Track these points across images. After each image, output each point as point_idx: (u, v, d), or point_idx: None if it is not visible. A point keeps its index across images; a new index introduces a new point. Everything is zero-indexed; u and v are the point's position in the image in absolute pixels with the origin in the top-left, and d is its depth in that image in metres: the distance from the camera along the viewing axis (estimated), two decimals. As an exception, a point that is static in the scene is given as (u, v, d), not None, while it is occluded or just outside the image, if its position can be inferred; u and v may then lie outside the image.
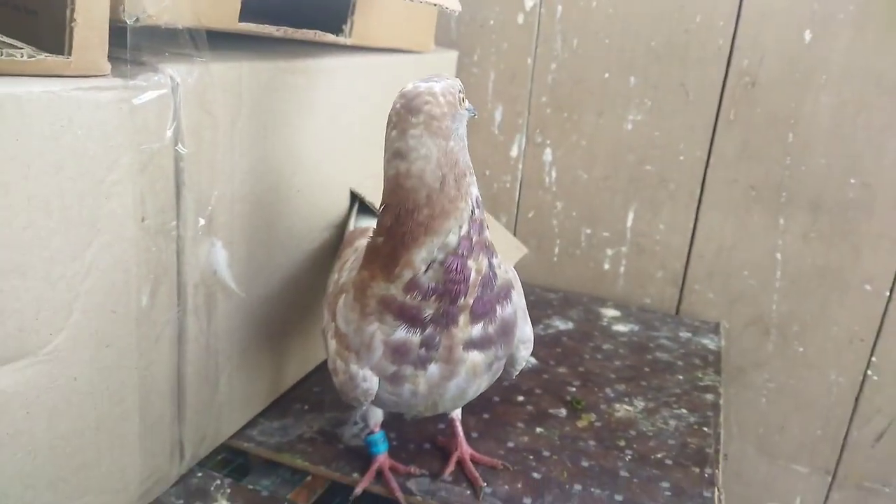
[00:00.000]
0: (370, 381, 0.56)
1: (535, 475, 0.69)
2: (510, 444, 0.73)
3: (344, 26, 0.72)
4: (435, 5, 0.77)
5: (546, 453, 0.72)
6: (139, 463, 0.58)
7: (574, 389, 0.85)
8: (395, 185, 0.53)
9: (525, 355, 0.61)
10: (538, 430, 0.76)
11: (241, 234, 0.63)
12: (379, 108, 0.76)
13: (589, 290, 1.14)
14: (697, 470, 0.71)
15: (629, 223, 1.09)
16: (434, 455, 0.71)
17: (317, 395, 0.80)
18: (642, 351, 0.96)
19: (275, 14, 0.64)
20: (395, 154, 0.52)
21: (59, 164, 0.45)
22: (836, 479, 1.07)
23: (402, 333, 0.54)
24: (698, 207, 1.05)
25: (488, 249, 0.55)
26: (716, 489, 0.68)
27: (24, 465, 0.48)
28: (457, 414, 0.71)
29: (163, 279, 0.55)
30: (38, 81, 0.44)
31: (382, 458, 0.67)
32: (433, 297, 0.53)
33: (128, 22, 0.49)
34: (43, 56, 0.45)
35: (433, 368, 0.55)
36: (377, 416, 0.68)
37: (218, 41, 0.57)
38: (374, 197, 0.79)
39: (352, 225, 0.78)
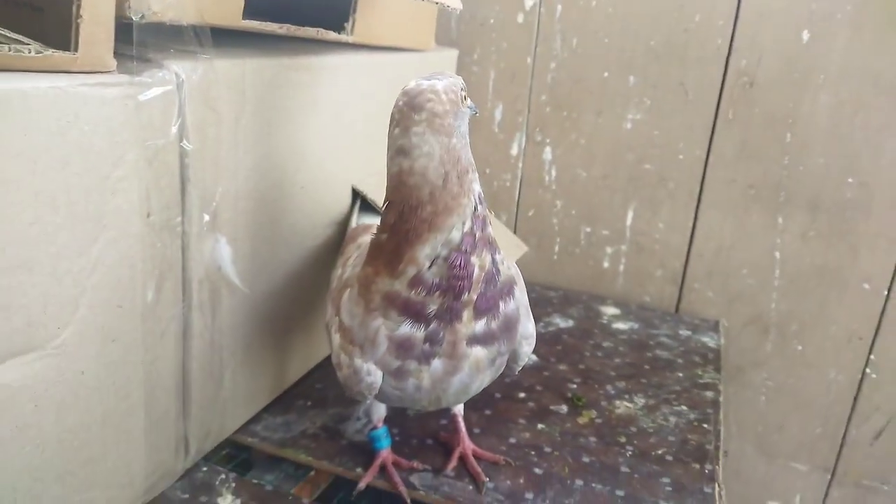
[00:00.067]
0: (374, 375, 0.56)
1: (537, 471, 0.69)
2: (512, 440, 0.74)
3: (346, 24, 0.73)
4: (436, 3, 0.78)
5: (547, 449, 0.73)
6: (144, 457, 0.59)
7: (575, 386, 0.85)
8: (398, 183, 0.53)
9: (527, 351, 0.61)
10: (539, 426, 0.76)
11: (244, 231, 0.64)
12: (380, 106, 0.77)
13: (589, 289, 1.14)
14: (698, 466, 0.72)
15: (629, 222, 1.10)
16: (436, 450, 0.71)
17: (319, 391, 0.80)
18: (642, 348, 0.96)
19: (277, 12, 0.64)
20: (399, 151, 0.52)
21: (65, 159, 0.46)
22: (836, 477, 1.07)
23: (406, 329, 0.54)
24: (697, 206, 1.06)
25: (491, 245, 0.55)
26: (716, 485, 0.69)
27: (33, 459, 0.48)
28: (459, 410, 0.71)
29: (168, 275, 0.56)
30: (44, 77, 0.45)
31: (385, 453, 0.68)
32: (437, 293, 0.53)
33: (133, 18, 0.49)
34: (50, 52, 0.46)
35: (437, 363, 0.56)
36: (380, 411, 0.69)
37: (221, 38, 0.57)
38: (376, 194, 0.79)
39: (354, 222, 0.79)
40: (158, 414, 0.59)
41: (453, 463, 0.68)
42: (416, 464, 0.68)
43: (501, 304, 0.56)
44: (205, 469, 0.66)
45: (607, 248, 1.12)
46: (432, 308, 0.54)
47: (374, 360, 0.56)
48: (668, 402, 0.83)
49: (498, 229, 1.04)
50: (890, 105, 0.93)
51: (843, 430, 1.05)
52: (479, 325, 0.55)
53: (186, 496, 0.63)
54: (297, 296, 0.75)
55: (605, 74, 1.05)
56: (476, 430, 0.74)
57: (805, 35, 0.94)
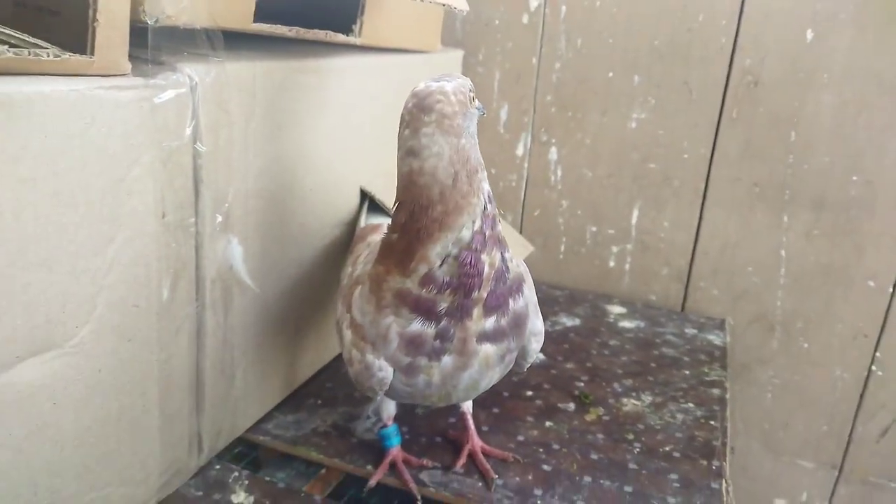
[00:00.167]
0: (385, 370, 0.57)
1: (546, 467, 0.70)
2: (520, 438, 0.74)
3: (353, 26, 0.74)
4: (443, 5, 0.79)
5: (556, 446, 0.73)
6: (159, 455, 0.60)
7: (582, 384, 0.86)
8: (408, 183, 0.54)
9: (536, 348, 0.62)
10: (547, 423, 0.77)
11: (255, 231, 0.65)
12: (387, 107, 0.78)
13: (595, 288, 1.15)
14: (705, 462, 0.72)
15: (634, 221, 1.10)
16: (446, 448, 0.72)
17: (329, 390, 0.81)
18: (648, 347, 0.97)
19: (286, 15, 0.65)
20: (409, 152, 0.53)
21: (83, 160, 0.47)
22: (842, 474, 1.08)
23: (417, 326, 0.55)
24: (702, 205, 1.06)
25: (501, 244, 0.56)
26: (723, 481, 0.69)
27: (52, 456, 0.49)
28: (468, 407, 0.72)
29: (182, 274, 0.57)
30: (62, 80, 0.46)
31: (395, 450, 0.68)
32: (448, 291, 0.54)
33: (148, 22, 0.50)
34: (67, 56, 0.47)
35: (447, 360, 0.56)
36: (390, 409, 0.69)
37: (232, 41, 0.58)
38: (384, 195, 0.80)
39: (362, 222, 0.80)
40: (173, 411, 0.60)
41: (463, 460, 0.69)
42: (425, 461, 0.69)
43: (511, 302, 0.57)
44: (218, 467, 0.67)
45: (613, 248, 1.13)
46: (443, 305, 0.54)
47: (386, 356, 0.57)
48: (675, 399, 0.84)
49: (504, 229, 1.04)
50: (893, 104, 0.93)
51: (850, 427, 1.05)
52: (489, 322, 0.56)
53: (200, 493, 0.64)
54: (307, 295, 0.76)
55: (610, 74, 1.06)
56: (485, 428, 0.75)
57: (809, 34, 0.95)
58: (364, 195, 0.82)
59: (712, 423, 0.79)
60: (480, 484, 0.67)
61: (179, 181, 0.54)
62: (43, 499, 0.50)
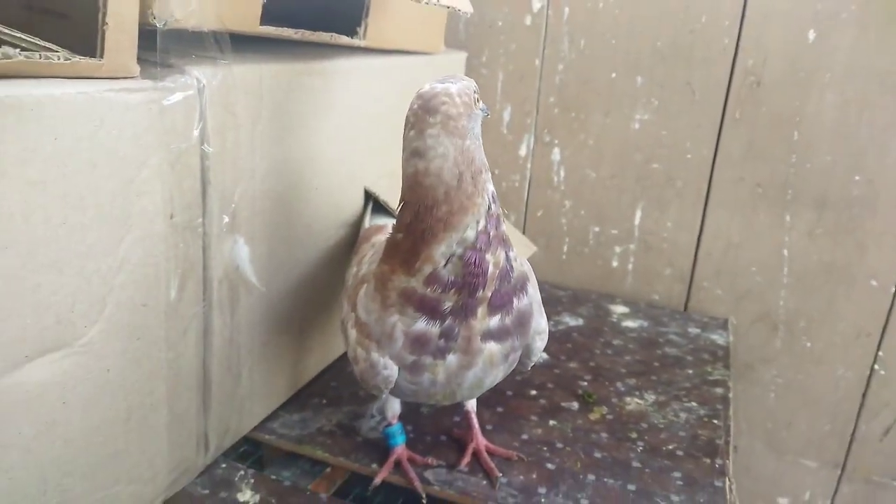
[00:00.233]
0: (391, 368, 0.57)
1: (550, 466, 0.70)
2: (524, 437, 0.75)
3: (358, 28, 0.74)
4: (447, 7, 0.79)
5: (559, 445, 0.74)
6: (167, 453, 0.60)
7: (585, 384, 0.86)
8: (413, 183, 0.54)
9: (540, 346, 0.62)
10: (551, 422, 0.78)
11: (261, 231, 0.65)
12: (391, 108, 0.79)
13: (598, 288, 1.16)
14: (708, 461, 0.72)
15: (637, 221, 1.11)
16: (450, 447, 0.72)
17: (334, 389, 0.81)
18: (652, 346, 0.97)
19: (292, 17, 0.66)
20: (414, 153, 0.53)
21: (93, 162, 0.47)
22: (845, 473, 1.08)
23: (422, 325, 0.56)
24: (705, 205, 1.06)
25: (505, 243, 0.56)
26: (727, 479, 0.70)
27: (62, 454, 0.50)
28: (472, 406, 0.72)
29: (190, 274, 0.57)
30: (72, 83, 0.46)
31: (400, 449, 0.69)
32: (452, 290, 0.54)
33: (158, 25, 0.50)
34: (77, 59, 0.47)
35: (451, 358, 0.57)
36: (395, 408, 0.70)
37: (239, 44, 0.59)
38: (388, 195, 0.81)
39: (367, 223, 0.80)
40: (180, 410, 0.60)
41: (467, 459, 0.69)
42: (430, 460, 0.69)
43: (515, 301, 0.58)
44: (224, 465, 0.68)
45: (616, 248, 1.13)
46: (448, 305, 0.55)
47: (391, 354, 0.57)
48: (679, 398, 0.84)
49: (507, 230, 1.05)
50: (895, 103, 0.94)
51: (853, 426, 1.06)
52: (494, 321, 0.57)
53: (207, 491, 0.64)
54: (312, 295, 0.76)
55: (613, 75, 1.06)
56: (489, 427, 0.76)
57: (811, 35, 0.95)
58: (368, 196, 0.82)
59: (715, 421, 0.80)
60: (485, 482, 0.67)
61: (187, 182, 0.55)
62: (52, 497, 0.50)
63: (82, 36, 0.48)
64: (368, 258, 0.64)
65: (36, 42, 0.46)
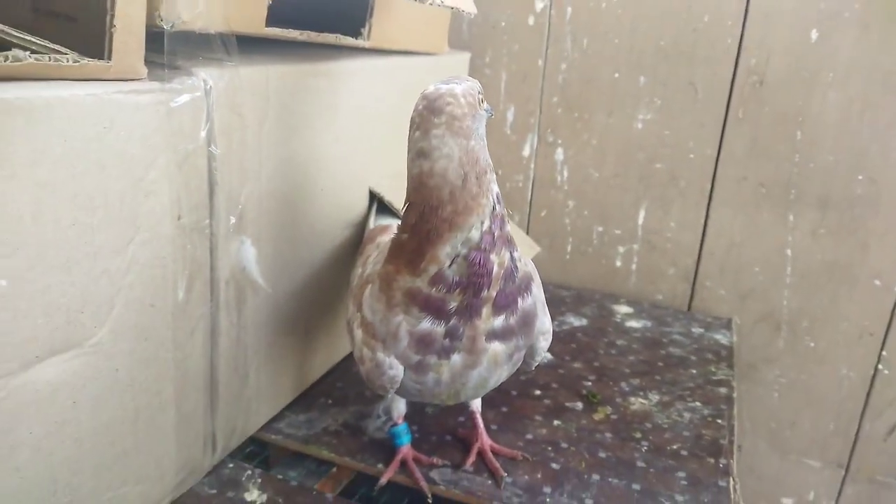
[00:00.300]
0: (396, 368, 0.58)
1: (554, 466, 0.70)
2: (529, 437, 0.75)
3: (362, 29, 0.74)
4: (451, 8, 0.79)
5: (564, 445, 0.74)
6: (175, 453, 0.60)
7: (589, 384, 0.86)
8: (418, 184, 0.54)
9: (544, 346, 0.63)
10: (556, 422, 0.78)
11: (268, 232, 0.66)
12: (395, 109, 0.79)
13: (601, 287, 1.16)
14: (712, 460, 0.73)
15: (640, 221, 1.11)
16: (455, 447, 0.72)
17: (340, 389, 0.82)
18: (655, 346, 0.98)
19: (297, 19, 0.66)
20: (419, 153, 0.54)
21: (101, 163, 0.47)
22: (849, 473, 1.08)
23: (426, 324, 0.56)
24: (709, 205, 1.07)
25: (510, 243, 0.57)
26: (730, 478, 0.70)
27: (72, 453, 0.50)
28: (477, 406, 0.72)
29: (197, 275, 0.58)
30: (80, 85, 0.46)
31: (406, 449, 0.69)
32: (457, 290, 0.55)
33: (165, 28, 0.51)
34: (86, 61, 0.47)
35: (456, 358, 0.57)
36: (400, 408, 0.70)
37: (245, 45, 0.59)
38: (393, 196, 0.81)
39: (371, 223, 0.80)
40: (188, 410, 0.61)
41: (472, 458, 0.70)
42: (435, 459, 0.70)
43: (519, 301, 0.58)
44: (231, 465, 0.68)
45: (619, 248, 1.13)
46: (452, 305, 0.55)
47: (396, 354, 0.58)
48: (683, 398, 0.84)
49: (511, 230, 1.06)
50: (898, 102, 0.94)
51: (856, 426, 1.06)
52: (498, 321, 0.57)
53: (214, 491, 0.65)
54: (318, 296, 0.76)
55: (616, 75, 1.07)
56: (493, 427, 0.76)
57: (814, 34, 0.95)
58: (373, 196, 0.82)
59: (719, 421, 0.80)
60: (490, 482, 0.68)
61: (194, 183, 0.55)
62: (62, 496, 0.51)
63: (90, 38, 0.49)
64: (373, 258, 0.64)
65: (45, 45, 0.46)
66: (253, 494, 0.65)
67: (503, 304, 0.57)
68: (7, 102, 0.41)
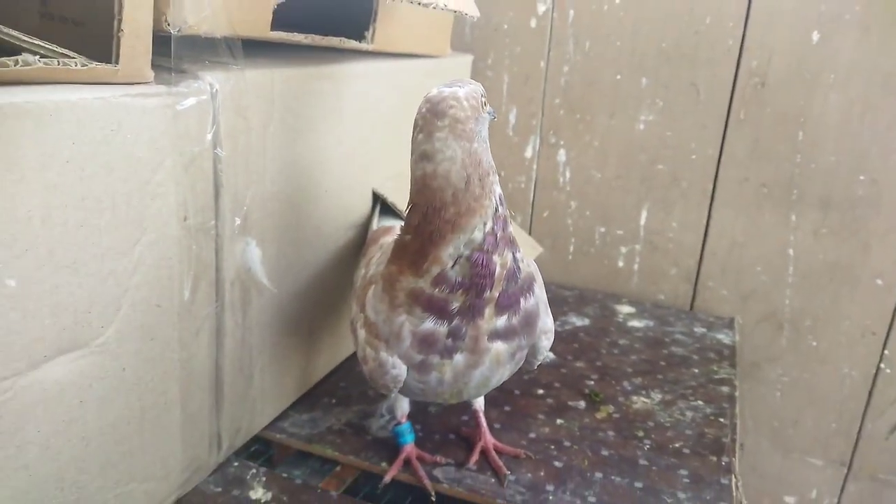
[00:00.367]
0: (399, 367, 0.58)
1: (557, 464, 0.71)
2: (532, 435, 0.75)
3: (366, 33, 0.75)
4: (454, 11, 0.80)
5: (567, 443, 0.74)
6: (180, 452, 0.61)
7: (592, 383, 0.87)
8: (422, 186, 0.55)
9: (546, 345, 0.63)
10: (558, 421, 0.78)
11: (272, 233, 0.66)
12: (399, 111, 0.80)
13: (604, 288, 1.16)
14: (715, 458, 0.73)
15: (642, 221, 1.11)
16: (459, 445, 0.73)
17: (343, 389, 0.82)
18: (658, 346, 0.98)
19: (301, 22, 0.67)
20: (422, 156, 0.54)
21: (109, 165, 0.48)
22: (852, 472, 1.08)
23: (429, 324, 0.56)
24: (710, 205, 1.07)
25: (512, 244, 0.57)
26: (733, 476, 0.70)
27: (79, 451, 0.51)
28: (480, 405, 0.73)
29: (203, 275, 0.58)
30: (89, 89, 0.47)
31: (409, 447, 0.70)
32: (460, 291, 0.55)
33: (172, 32, 0.52)
34: (93, 65, 0.48)
35: (459, 358, 0.58)
36: (404, 407, 0.71)
37: (250, 49, 0.60)
38: (396, 197, 0.82)
39: (375, 224, 0.81)
40: (193, 409, 0.61)
41: (475, 457, 0.70)
42: (439, 458, 0.70)
43: (522, 301, 0.58)
44: (236, 464, 0.69)
45: (622, 248, 1.14)
46: (455, 305, 0.56)
47: (399, 353, 0.58)
48: (685, 397, 0.85)
49: (513, 231, 1.06)
50: (899, 103, 0.94)
51: (859, 424, 1.06)
52: (501, 321, 0.57)
53: (219, 489, 0.65)
54: (321, 297, 0.77)
55: (618, 77, 1.07)
56: (497, 426, 0.76)
57: (815, 36, 0.96)
58: (376, 198, 0.83)
59: (721, 420, 0.80)
60: (493, 480, 0.68)
61: (200, 185, 0.56)
62: (70, 494, 0.51)
63: (98, 42, 0.49)
64: (376, 259, 0.65)
65: (54, 49, 0.47)
66: (258, 492, 0.65)
67: (506, 304, 0.57)
68: (16, 106, 0.42)
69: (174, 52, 0.53)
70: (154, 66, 0.52)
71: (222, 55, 0.57)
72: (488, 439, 0.72)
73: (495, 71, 1.14)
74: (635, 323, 1.05)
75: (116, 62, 0.49)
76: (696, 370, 0.92)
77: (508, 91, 1.14)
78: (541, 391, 0.84)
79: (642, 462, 0.72)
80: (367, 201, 0.82)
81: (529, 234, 1.18)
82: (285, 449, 0.73)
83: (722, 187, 1.06)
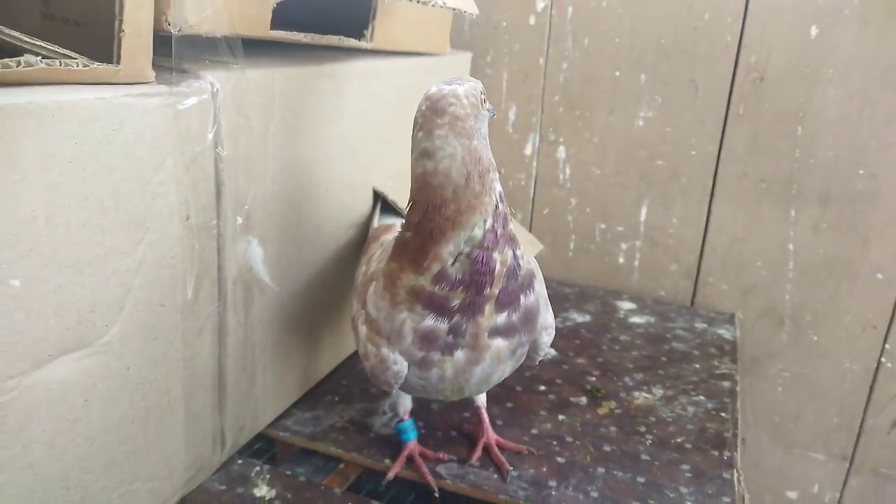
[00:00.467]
0: (400, 364, 0.59)
1: (560, 459, 0.71)
2: (534, 431, 0.76)
3: (365, 31, 0.75)
4: (454, 9, 0.80)
5: (569, 439, 0.75)
6: (184, 450, 0.61)
7: (594, 379, 0.87)
8: (422, 183, 0.55)
9: (547, 341, 0.63)
10: (560, 417, 0.79)
11: (273, 232, 0.66)
12: (399, 109, 0.80)
13: (604, 284, 1.16)
14: (716, 453, 0.73)
15: (643, 217, 1.11)
16: (461, 442, 0.73)
17: (346, 387, 0.83)
18: (659, 341, 0.98)
19: (301, 22, 0.67)
20: (422, 153, 0.54)
21: (111, 165, 0.48)
22: (853, 466, 1.09)
23: (430, 321, 0.57)
24: (710, 201, 1.07)
25: (512, 241, 0.57)
26: (734, 470, 0.71)
27: (83, 451, 0.51)
28: (482, 402, 0.73)
29: (205, 275, 0.59)
30: (90, 89, 0.47)
31: (412, 444, 0.70)
32: (460, 288, 0.55)
33: (172, 32, 0.52)
34: (95, 65, 0.48)
35: (460, 354, 0.58)
36: (406, 404, 0.71)
37: (250, 49, 0.60)
38: (396, 196, 0.82)
39: (375, 222, 0.81)
40: (197, 408, 0.62)
41: (478, 453, 0.71)
42: (442, 455, 0.70)
43: (522, 297, 0.59)
44: (240, 462, 0.69)
45: (622, 244, 1.14)
46: (456, 302, 0.56)
47: (400, 350, 0.58)
48: (686, 392, 0.85)
49: (514, 228, 1.06)
50: (897, 97, 0.95)
51: (860, 419, 1.06)
52: (501, 318, 0.58)
53: (224, 487, 0.65)
54: (323, 295, 0.77)
55: (617, 73, 1.07)
56: (499, 422, 0.77)
57: (813, 31, 0.96)
58: (377, 196, 0.83)
59: (723, 414, 0.80)
60: (496, 476, 0.68)
61: (202, 184, 0.56)
62: (74, 493, 0.52)
63: (99, 43, 0.50)
64: (377, 257, 0.65)
65: (55, 49, 0.47)
66: (262, 490, 0.65)
67: (506, 301, 0.57)
68: (19, 107, 0.42)
69: (175, 52, 0.53)
70: (155, 65, 0.52)
71: (223, 54, 0.57)
72: (491, 435, 0.72)
73: (495, 68, 1.14)
74: (636, 319, 1.05)
75: (118, 62, 0.49)
76: (697, 365, 0.92)
77: (508, 88, 1.14)
78: (542, 387, 0.84)
79: (644, 457, 0.72)
80: (368, 199, 0.82)
81: (530, 231, 1.18)
82: (289, 447, 0.73)
83: (721, 183, 1.06)
